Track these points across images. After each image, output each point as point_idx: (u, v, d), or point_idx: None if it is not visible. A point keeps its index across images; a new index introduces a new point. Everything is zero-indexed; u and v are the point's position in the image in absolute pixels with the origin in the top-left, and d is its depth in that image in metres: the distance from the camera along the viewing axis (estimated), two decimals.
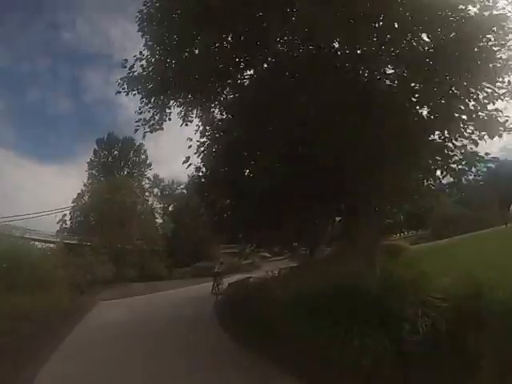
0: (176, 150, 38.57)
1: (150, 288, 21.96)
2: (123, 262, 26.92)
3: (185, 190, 39.18)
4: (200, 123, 11.73)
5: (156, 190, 41.81)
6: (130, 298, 19.28)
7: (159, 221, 38.49)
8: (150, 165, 43.99)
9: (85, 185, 33.93)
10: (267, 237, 14.56)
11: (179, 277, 28.59)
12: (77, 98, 59.01)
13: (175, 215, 37.24)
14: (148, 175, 42.70)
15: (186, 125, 11.31)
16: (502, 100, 7.77)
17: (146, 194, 37.90)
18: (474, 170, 8.83)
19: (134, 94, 10.39)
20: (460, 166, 8.46)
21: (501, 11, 7.25)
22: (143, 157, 44.64)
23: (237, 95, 10.57)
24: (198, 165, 11.98)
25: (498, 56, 7.45)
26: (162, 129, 11.20)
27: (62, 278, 17.64)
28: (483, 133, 7.75)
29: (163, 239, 32.40)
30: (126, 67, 10.33)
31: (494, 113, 7.63)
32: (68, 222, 32.19)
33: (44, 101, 58.14)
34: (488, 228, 24.25)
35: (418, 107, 7.99)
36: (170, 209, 39.48)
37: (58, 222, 31.33)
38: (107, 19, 64.60)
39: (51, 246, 25.79)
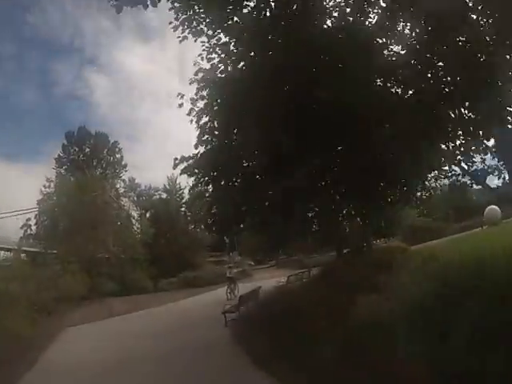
0: (152, 158, 35.11)
1: (133, 304, 18.04)
2: (98, 272, 22.62)
3: (164, 194, 36.09)
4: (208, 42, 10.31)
5: (132, 194, 37.67)
6: (109, 319, 15.14)
7: (137, 227, 34.50)
8: (125, 166, 39.87)
9: (47, 180, 28.53)
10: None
11: (165, 288, 24.75)
12: (46, 92, 53.46)
13: (154, 221, 33.44)
14: (123, 177, 38.53)
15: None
16: None
17: (122, 198, 33.74)
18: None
19: None
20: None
21: None
22: (118, 156, 40.45)
23: None
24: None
25: None
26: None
27: (21, 295, 13.49)
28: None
29: (143, 247, 28.32)
30: None
31: None
32: (33, 227, 27.38)
33: (8, 92, 52.03)
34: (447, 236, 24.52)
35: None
36: (148, 215, 35.48)
37: (21, 228, 26.57)
38: (81, 10, 59.76)
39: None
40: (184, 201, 34.70)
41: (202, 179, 12.25)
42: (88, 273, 21.22)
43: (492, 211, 17.53)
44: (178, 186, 35.22)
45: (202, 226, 18.29)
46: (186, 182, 35.25)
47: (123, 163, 39.79)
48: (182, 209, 34.96)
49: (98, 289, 20.62)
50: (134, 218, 34.20)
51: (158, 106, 66.22)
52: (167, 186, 35.78)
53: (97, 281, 21.44)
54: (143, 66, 57.91)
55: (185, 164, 11.88)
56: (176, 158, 11.69)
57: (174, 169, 11.91)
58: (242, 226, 13.58)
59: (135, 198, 36.54)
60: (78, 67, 56.23)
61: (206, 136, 11.77)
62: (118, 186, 36.25)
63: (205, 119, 11.58)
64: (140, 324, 13.54)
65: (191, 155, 11.91)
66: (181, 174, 12.37)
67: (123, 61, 58.46)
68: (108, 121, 68.19)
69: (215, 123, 11.48)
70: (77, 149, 37.72)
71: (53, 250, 22.81)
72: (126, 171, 39.46)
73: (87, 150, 38.25)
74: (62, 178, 30.39)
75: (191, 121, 11.63)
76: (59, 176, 32.25)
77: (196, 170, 12.00)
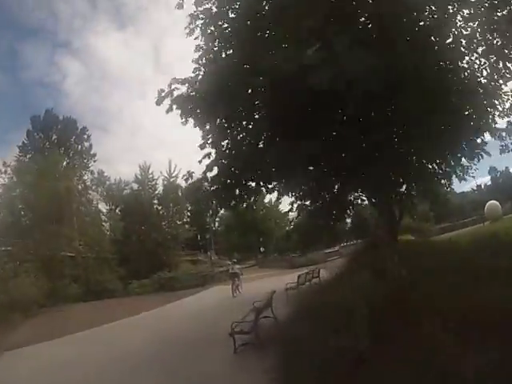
0: (123, 151, 32.08)
1: (99, 313, 15.10)
2: (60, 273, 19.77)
3: (135, 185, 32.29)
4: None
5: (101, 189, 34.45)
6: (65, 338, 10.97)
7: (106, 223, 31.57)
8: (94, 155, 36.70)
9: (4, 165, 24.55)
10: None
11: (137, 292, 22.08)
12: (13, 76, 48.90)
13: (124, 216, 30.57)
14: (91, 168, 35.38)
15: None
16: None
17: (90, 192, 30.65)
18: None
19: None
20: None
21: None
22: (87, 144, 37.21)
23: None
24: None
25: None
26: None
27: None
28: None
29: (113, 244, 25.58)
30: None
31: None
32: None
33: None
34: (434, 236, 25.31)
35: None
36: (118, 209, 32.48)
37: None
38: None
39: None
40: (157, 192, 31.92)
41: (206, 117, 8.05)
42: (47, 274, 18.38)
43: (493, 206, 16.81)
44: (150, 176, 31.87)
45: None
46: (159, 172, 32.24)
47: (92, 152, 36.64)
48: (156, 201, 31.97)
49: (58, 293, 17.90)
50: (103, 214, 31.35)
51: (131, 96, 63.18)
52: (139, 176, 31.97)
53: (58, 283, 18.64)
54: (117, 53, 54.88)
55: (174, 96, 7.73)
56: (162, 90, 7.71)
57: (159, 104, 7.73)
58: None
59: (104, 193, 33.57)
60: (50, 51, 52.03)
61: (219, 44, 8.09)
62: (85, 177, 33.22)
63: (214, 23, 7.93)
64: (104, 350, 9.03)
65: (190, 77, 7.95)
66: (167, 112, 7.83)
67: (97, 46, 55.18)
68: (78, 110, 64.67)
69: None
70: (42, 135, 34.27)
71: (7, 246, 19.75)
72: (94, 161, 36.35)
73: (54, 137, 34.84)
74: (22, 165, 26.93)
75: (192, 30, 8.12)
76: (19, 163, 28.85)
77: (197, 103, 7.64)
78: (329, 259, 26.09)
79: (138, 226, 29.76)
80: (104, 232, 28.41)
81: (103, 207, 32.06)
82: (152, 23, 63.07)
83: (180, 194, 29.80)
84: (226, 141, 8.71)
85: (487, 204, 17.20)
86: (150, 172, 31.80)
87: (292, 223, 51.46)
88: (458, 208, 49.05)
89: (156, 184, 31.91)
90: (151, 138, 62.19)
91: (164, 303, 17.01)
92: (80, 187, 28.15)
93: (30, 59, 53.10)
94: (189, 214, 34.96)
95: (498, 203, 16.85)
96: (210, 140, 8.80)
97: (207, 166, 8.58)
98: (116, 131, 62.94)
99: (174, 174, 31.69)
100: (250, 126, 8.33)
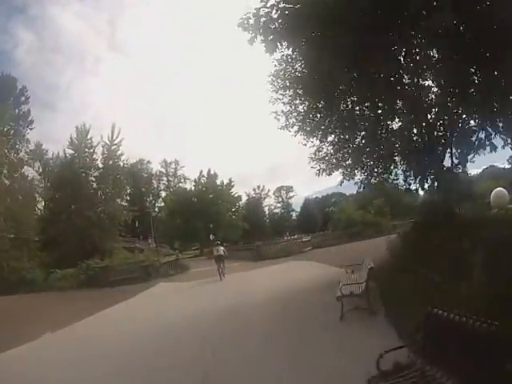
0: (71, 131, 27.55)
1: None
2: None
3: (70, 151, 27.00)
4: None
5: (38, 164, 29.88)
6: None
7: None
8: (31, 122, 31.97)
9: None
10: None
11: (59, 285, 18.25)
12: None
13: (55, 189, 26.46)
14: (28, 136, 30.71)
15: None
16: None
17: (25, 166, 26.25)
18: None
19: None
20: None
21: None
22: (25, 109, 32.25)
23: None
24: None
25: None
26: None
27: None
28: None
29: (39, 223, 21.78)
30: None
31: None
32: None
33: None
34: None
35: None
36: (48, 183, 28.17)
37: None
38: None
39: None
40: (95, 162, 26.87)
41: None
42: None
43: (499, 193, 15.41)
44: (89, 142, 26.79)
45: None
46: (100, 137, 26.92)
47: (30, 119, 31.83)
48: (94, 173, 27.08)
49: None
50: (37, 193, 27.47)
51: (83, 74, 58.46)
52: (75, 140, 26.69)
53: None
54: (73, 26, 49.97)
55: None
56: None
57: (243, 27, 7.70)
58: None
59: (40, 169, 29.06)
60: (4, 17, 44.63)
61: None
62: (20, 146, 28.50)
63: None
64: None
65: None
66: (252, 43, 7.78)
67: (54, 16, 49.56)
68: (26, 82, 56.87)
69: None
70: None
71: None
72: (31, 129, 31.76)
73: None
74: None
75: None
76: None
77: None
78: (305, 250, 23.99)
79: (69, 201, 25.33)
80: (32, 209, 24.37)
81: (38, 187, 27.95)
82: None
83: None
84: None
85: (494, 191, 15.66)
86: (88, 137, 26.84)
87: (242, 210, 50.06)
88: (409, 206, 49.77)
89: (95, 153, 27.03)
90: (101, 118, 57.71)
91: (92, 309, 12.07)
92: (14, 159, 23.88)
93: None
94: (128, 197, 31.73)
95: (505, 190, 15.39)
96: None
97: None
98: (65, 109, 57.76)
99: (116, 142, 27.12)
100: None
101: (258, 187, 59.54)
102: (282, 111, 11.52)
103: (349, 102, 10.43)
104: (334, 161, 11.82)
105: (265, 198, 60.29)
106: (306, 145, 11.88)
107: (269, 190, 60.94)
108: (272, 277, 14.85)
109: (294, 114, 11.42)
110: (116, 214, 26.37)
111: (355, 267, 9.36)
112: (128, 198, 31.69)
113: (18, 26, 52.56)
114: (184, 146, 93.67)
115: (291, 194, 63.74)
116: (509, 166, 28.73)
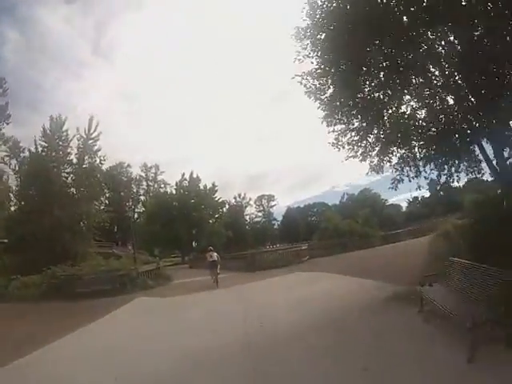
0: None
1: None
2: None
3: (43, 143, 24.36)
4: None
5: (14, 162, 27.77)
6: None
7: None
8: (8, 116, 29.60)
9: None
10: None
11: (21, 295, 15.55)
12: None
13: (26, 186, 24.19)
14: (3, 131, 28.24)
15: None
16: None
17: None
18: None
19: None
20: None
21: None
22: (3, 102, 29.94)
23: None
24: None
25: None
26: None
27: None
28: None
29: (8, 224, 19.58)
30: None
31: None
32: None
33: None
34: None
35: None
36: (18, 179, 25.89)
37: None
38: None
39: None
40: (69, 157, 24.27)
41: None
42: None
43: None
44: (64, 134, 24.44)
45: None
46: (76, 129, 24.21)
47: (8, 113, 29.32)
48: (67, 169, 24.40)
49: None
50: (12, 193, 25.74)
51: (66, 76, 56.81)
52: (48, 131, 24.39)
53: None
54: (60, 29, 48.38)
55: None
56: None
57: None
58: None
59: (16, 167, 26.64)
60: None
61: None
62: None
63: None
64: None
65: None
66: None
67: (41, 17, 47.65)
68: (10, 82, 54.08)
69: None
70: None
71: None
72: (7, 123, 29.32)
73: None
74: None
75: None
76: None
77: None
78: (303, 259, 22.34)
79: (39, 199, 22.84)
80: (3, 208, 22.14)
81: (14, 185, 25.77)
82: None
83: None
84: None
85: None
86: (63, 130, 24.35)
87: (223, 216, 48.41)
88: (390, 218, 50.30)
89: (69, 146, 24.50)
90: (83, 121, 55.68)
91: (56, 335, 8.17)
92: None
93: None
94: (107, 201, 29.74)
95: None
96: None
97: None
98: (47, 110, 55.44)
99: (93, 135, 24.62)
100: None
101: (239, 195, 58.42)
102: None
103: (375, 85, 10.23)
104: (361, 150, 10.71)
105: (246, 206, 59.15)
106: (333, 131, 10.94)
107: (250, 199, 59.90)
108: (288, 293, 11.27)
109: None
110: (90, 215, 24.18)
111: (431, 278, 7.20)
112: (107, 201, 29.62)
113: (4, 24, 50.48)
114: (167, 151, 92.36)
115: (272, 203, 62.96)
116: None
